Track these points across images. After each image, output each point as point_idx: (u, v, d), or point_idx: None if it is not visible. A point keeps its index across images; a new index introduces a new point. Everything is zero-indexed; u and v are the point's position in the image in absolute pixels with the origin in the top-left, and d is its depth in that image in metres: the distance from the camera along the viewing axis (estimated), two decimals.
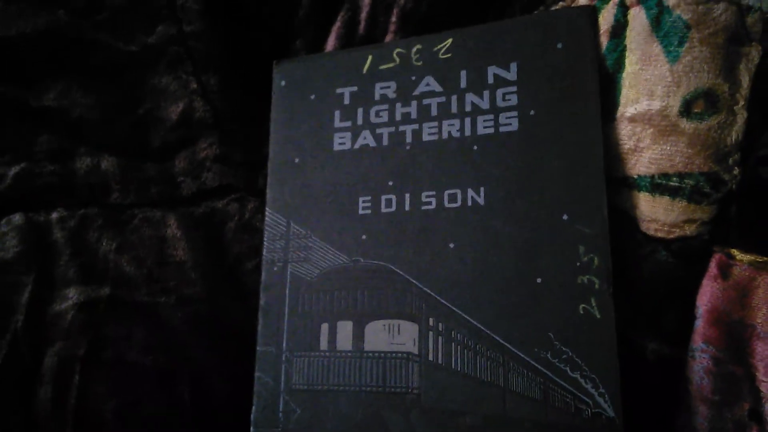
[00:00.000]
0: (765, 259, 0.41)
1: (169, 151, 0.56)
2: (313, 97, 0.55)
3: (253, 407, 0.49)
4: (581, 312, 0.44)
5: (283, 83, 0.56)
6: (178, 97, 0.57)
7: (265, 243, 0.53)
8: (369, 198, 0.51)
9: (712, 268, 0.42)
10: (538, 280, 0.45)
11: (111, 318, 0.51)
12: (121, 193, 0.55)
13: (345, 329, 0.49)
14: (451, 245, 0.48)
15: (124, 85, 0.58)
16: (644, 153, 0.45)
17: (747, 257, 0.41)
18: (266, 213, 0.53)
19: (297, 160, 0.54)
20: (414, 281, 0.48)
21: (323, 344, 0.49)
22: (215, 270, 0.53)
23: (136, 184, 0.55)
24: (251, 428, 0.49)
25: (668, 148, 0.44)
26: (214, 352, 0.51)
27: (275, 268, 0.52)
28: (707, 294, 0.42)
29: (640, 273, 0.45)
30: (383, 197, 0.51)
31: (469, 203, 0.48)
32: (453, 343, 0.47)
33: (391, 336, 0.48)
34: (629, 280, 0.45)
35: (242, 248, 0.54)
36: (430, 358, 0.47)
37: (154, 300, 0.52)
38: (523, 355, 0.44)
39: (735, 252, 0.42)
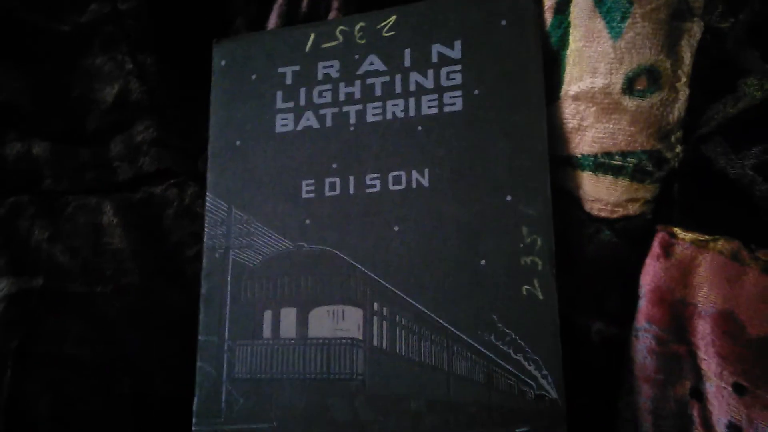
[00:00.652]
0: (707, 237, 0.41)
1: (105, 135, 0.54)
2: (254, 77, 0.53)
3: (195, 398, 0.48)
4: (524, 294, 0.43)
5: (223, 63, 0.54)
6: (113, 78, 0.54)
7: (205, 229, 0.51)
8: (312, 181, 0.50)
9: (655, 247, 0.42)
10: (482, 263, 0.44)
11: (45, 310, 0.49)
12: (54, 180, 0.53)
13: (288, 316, 0.48)
14: (396, 228, 0.47)
15: (56, 67, 0.55)
16: (587, 132, 0.44)
17: (689, 236, 0.41)
18: (207, 198, 0.51)
19: (238, 143, 0.52)
20: (358, 266, 0.47)
21: (266, 332, 0.48)
22: (154, 258, 0.52)
23: (70, 170, 0.53)
24: (193, 419, 0.47)
25: (611, 126, 0.43)
26: (153, 342, 0.50)
27: (217, 255, 0.50)
28: (650, 273, 0.42)
29: (583, 253, 0.44)
30: (327, 180, 0.49)
31: (414, 185, 0.47)
32: (397, 328, 0.46)
33: (336, 322, 0.47)
34: (573, 261, 0.44)
35: (182, 235, 0.52)
36: (375, 343, 0.46)
37: (90, 290, 0.50)
38: (466, 338, 0.44)
39: (677, 231, 0.42)
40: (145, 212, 0.53)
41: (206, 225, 0.51)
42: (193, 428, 0.47)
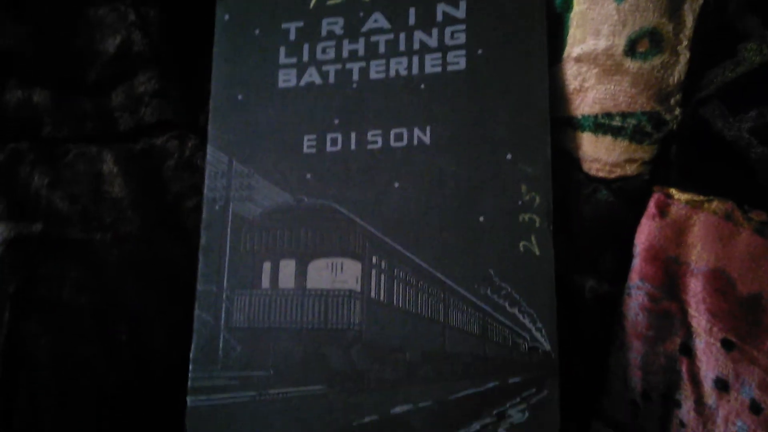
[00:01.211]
0: (702, 198, 0.42)
1: (106, 86, 0.54)
2: (257, 32, 0.53)
3: (193, 345, 0.48)
4: (521, 249, 0.44)
5: (226, 17, 0.54)
6: (116, 29, 0.54)
7: (206, 181, 0.51)
8: (314, 136, 0.50)
9: (651, 207, 0.43)
10: (481, 219, 0.45)
11: (43, 255, 0.49)
12: (55, 128, 0.53)
13: (288, 268, 0.48)
14: (396, 184, 0.47)
15: (59, 17, 0.55)
16: (589, 93, 0.45)
17: (685, 196, 0.42)
18: (208, 151, 0.52)
19: (240, 97, 0.52)
20: (358, 220, 0.47)
21: (265, 282, 0.48)
22: (153, 208, 0.52)
23: (71, 119, 0.53)
24: (190, 366, 0.48)
25: (612, 87, 0.44)
26: (151, 291, 0.50)
27: (217, 207, 0.51)
28: (645, 232, 0.43)
29: (581, 212, 0.45)
30: (329, 136, 0.50)
31: (415, 142, 0.48)
32: (395, 281, 0.47)
33: (334, 274, 0.47)
34: (571, 220, 0.45)
35: (182, 187, 0.52)
36: (372, 295, 0.47)
37: (89, 237, 0.50)
38: (463, 291, 0.45)
39: (673, 191, 0.43)
40: (146, 163, 0.53)
41: (206, 177, 0.51)
42: (189, 375, 0.48)
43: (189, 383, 0.48)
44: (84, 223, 0.50)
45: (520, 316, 0.43)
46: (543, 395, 0.42)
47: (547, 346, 0.42)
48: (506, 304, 0.44)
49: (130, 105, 0.53)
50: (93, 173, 0.52)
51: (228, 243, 0.50)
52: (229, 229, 0.50)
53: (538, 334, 0.43)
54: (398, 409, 0.44)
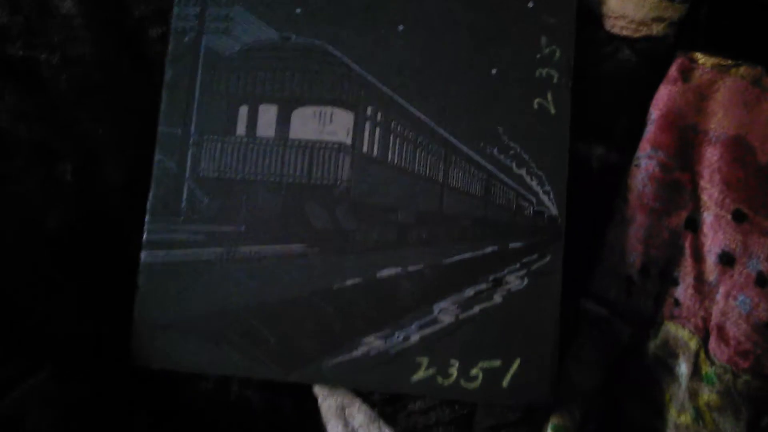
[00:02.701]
0: (729, 62, 0.39)
1: None
2: None
3: (151, 194, 0.42)
4: (535, 107, 0.40)
5: None
6: None
7: (174, 8, 0.44)
8: None
9: (673, 71, 0.40)
10: (493, 71, 0.41)
11: None
12: None
13: (268, 114, 0.43)
14: (400, 28, 0.42)
15: None
16: None
17: (711, 60, 0.40)
18: None
19: None
20: (353, 65, 0.42)
21: (240, 129, 0.43)
22: (112, 32, 0.44)
23: None
24: (147, 216, 0.42)
25: None
26: (106, 127, 0.43)
27: (186, 39, 0.44)
28: (663, 98, 0.40)
29: (598, 73, 0.42)
30: None
31: None
32: (391, 135, 0.42)
33: (322, 124, 0.42)
34: (587, 81, 0.42)
35: (145, 11, 0.45)
36: (365, 150, 0.42)
37: (32, 55, 0.42)
38: (467, 150, 0.41)
39: (698, 56, 0.40)
40: None
41: (175, 3, 0.44)
42: (146, 226, 0.42)
43: (144, 236, 0.42)
44: (26, 39, 0.42)
45: (528, 178, 0.40)
46: (545, 262, 0.39)
47: (554, 211, 0.40)
48: (513, 165, 0.40)
49: None
50: None
51: (198, 81, 0.43)
52: (200, 65, 0.44)
53: (545, 198, 0.40)
54: (385, 273, 0.41)
